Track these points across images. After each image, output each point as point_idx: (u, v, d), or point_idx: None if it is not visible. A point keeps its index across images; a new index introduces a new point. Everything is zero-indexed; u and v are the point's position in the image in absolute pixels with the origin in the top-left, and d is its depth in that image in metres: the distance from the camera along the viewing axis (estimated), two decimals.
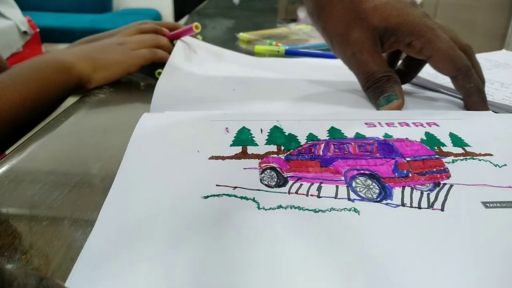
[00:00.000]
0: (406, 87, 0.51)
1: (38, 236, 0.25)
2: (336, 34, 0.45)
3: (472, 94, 0.43)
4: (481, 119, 0.38)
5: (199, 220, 0.24)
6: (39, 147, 0.37)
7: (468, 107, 0.44)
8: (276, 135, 0.33)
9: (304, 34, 0.88)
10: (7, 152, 0.35)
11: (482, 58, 0.71)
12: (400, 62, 0.51)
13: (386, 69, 0.44)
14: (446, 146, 0.32)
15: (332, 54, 0.65)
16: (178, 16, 3.59)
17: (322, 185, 0.28)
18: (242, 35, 0.84)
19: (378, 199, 0.26)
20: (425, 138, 0.33)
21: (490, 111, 0.41)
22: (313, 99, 0.46)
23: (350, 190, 0.27)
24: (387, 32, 0.43)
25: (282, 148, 0.32)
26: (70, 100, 0.51)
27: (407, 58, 0.50)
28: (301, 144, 0.32)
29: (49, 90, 0.49)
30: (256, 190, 0.27)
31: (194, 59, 0.59)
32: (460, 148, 0.32)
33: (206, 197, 0.26)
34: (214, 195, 0.26)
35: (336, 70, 0.55)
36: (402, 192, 0.27)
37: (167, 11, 3.73)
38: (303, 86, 0.51)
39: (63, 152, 0.36)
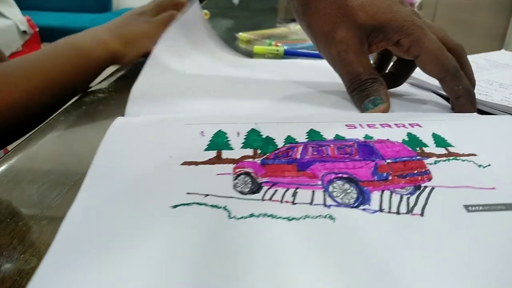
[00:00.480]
0: (399, 88, 0.50)
1: (37, 235, 0.25)
2: (321, 32, 0.44)
3: (460, 97, 0.41)
4: (466, 120, 0.37)
5: (166, 232, 0.23)
6: (38, 147, 0.37)
7: (455, 109, 0.43)
8: (253, 138, 0.32)
9: (303, 34, 0.87)
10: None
11: (481, 58, 0.70)
12: (391, 65, 0.50)
13: (371, 71, 0.43)
14: (428, 146, 0.31)
15: None
16: None
17: (297, 190, 0.26)
18: (242, 35, 0.84)
19: (355, 204, 0.25)
20: (407, 139, 0.32)
21: (475, 113, 0.40)
22: (296, 100, 0.45)
23: (326, 195, 0.26)
24: (374, 30, 0.42)
25: (259, 151, 0.30)
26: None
27: (398, 60, 0.48)
28: (279, 147, 0.31)
29: (87, 66, 0.53)
30: (229, 197, 0.26)
31: (177, 56, 0.57)
32: (443, 149, 0.31)
33: (175, 207, 0.25)
34: (183, 204, 0.25)
35: (327, 71, 0.54)
36: (381, 196, 0.26)
37: None
38: (288, 88, 0.49)
39: (62, 151, 0.36)
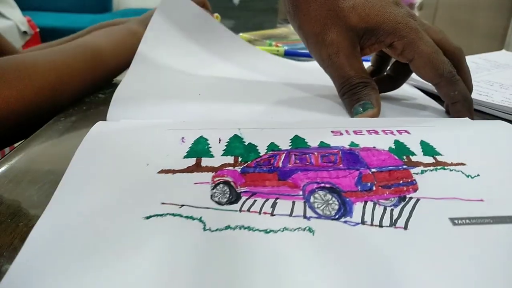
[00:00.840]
0: (394, 91, 0.49)
1: None
2: (311, 33, 0.43)
3: (456, 102, 0.40)
4: (456, 126, 0.36)
5: (136, 243, 0.22)
6: (38, 147, 0.36)
7: (451, 115, 0.41)
8: (234, 145, 0.31)
9: None
10: (6, 151, 0.35)
11: (482, 58, 0.69)
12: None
13: (363, 75, 0.41)
14: (415, 155, 0.30)
15: None
16: None
17: (277, 201, 0.25)
18: (242, 35, 0.84)
19: (336, 216, 0.24)
20: (393, 147, 0.31)
21: (467, 118, 0.39)
22: (286, 104, 0.44)
23: (307, 206, 0.25)
24: (366, 33, 0.41)
25: (240, 159, 0.29)
26: None
27: (395, 63, 0.47)
28: (261, 154, 0.30)
29: (122, 52, 0.56)
30: (205, 208, 0.25)
31: (164, 51, 0.56)
32: (431, 157, 0.30)
33: (148, 218, 0.24)
34: (157, 215, 0.24)
35: (322, 73, 0.53)
36: (364, 207, 0.25)
37: None
38: (279, 90, 0.48)
39: (62, 152, 0.36)
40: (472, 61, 0.67)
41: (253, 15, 1.18)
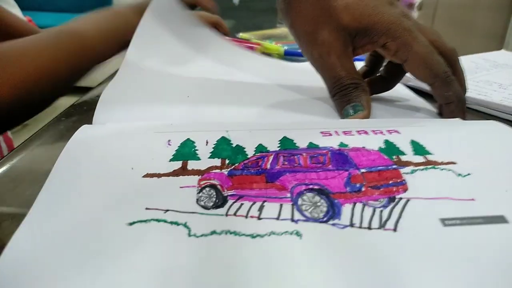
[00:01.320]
0: (389, 92, 0.48)
1: None
2: (303, 32, 0.42)
3: (450, 103, 0.39)
4: (447, 126, 0.35)
5: (119, 252, 0.21)
6: (39, 147, 0.37)
7: (444, 116, 0.41)
8: (221, 147, 0.30)
9: None
10: (5, 153, 0.35)
11: (481, 58, 0.69)
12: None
13: (354, 76, 0.41)
14: (406, 154, 0.30)
15: None
16: None
17: (265, 204, 0.25)
18: (242, 35, 0.84)
19: (325, 219, 0.24)
20: (383, 147, 0.30)
21: (459, 118, 0.38)
22: (277, 106, 0.43)
23: (294, 209, 0.24)
24: (359, 33, 0.40)
25: (227, 162, 0.29)
26: (69, 101, 0.51)
27: (388, 63, 0.47)
28: (249, 156, 0.29)
29: (109, 34, 0.56)
30: (191, 213, 0.24)
31: (155, 52, 0.55)
32: (421, 157, 0.29)
33: (131, 224, 0.23)
34: (141, 221, 0.23)
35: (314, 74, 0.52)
36: (353, 209, 0.24)
37: None
38: (271, 92, 0.48)
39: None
40: (471, 61, 0.67)
41: (253, 15, 1.18)
